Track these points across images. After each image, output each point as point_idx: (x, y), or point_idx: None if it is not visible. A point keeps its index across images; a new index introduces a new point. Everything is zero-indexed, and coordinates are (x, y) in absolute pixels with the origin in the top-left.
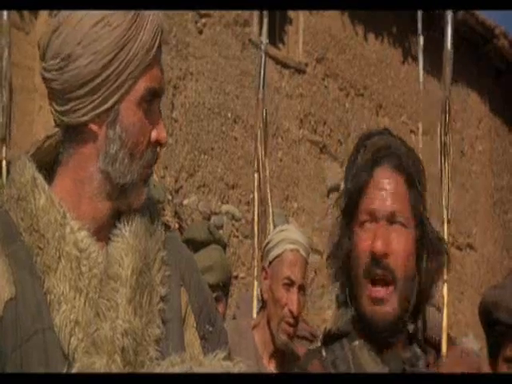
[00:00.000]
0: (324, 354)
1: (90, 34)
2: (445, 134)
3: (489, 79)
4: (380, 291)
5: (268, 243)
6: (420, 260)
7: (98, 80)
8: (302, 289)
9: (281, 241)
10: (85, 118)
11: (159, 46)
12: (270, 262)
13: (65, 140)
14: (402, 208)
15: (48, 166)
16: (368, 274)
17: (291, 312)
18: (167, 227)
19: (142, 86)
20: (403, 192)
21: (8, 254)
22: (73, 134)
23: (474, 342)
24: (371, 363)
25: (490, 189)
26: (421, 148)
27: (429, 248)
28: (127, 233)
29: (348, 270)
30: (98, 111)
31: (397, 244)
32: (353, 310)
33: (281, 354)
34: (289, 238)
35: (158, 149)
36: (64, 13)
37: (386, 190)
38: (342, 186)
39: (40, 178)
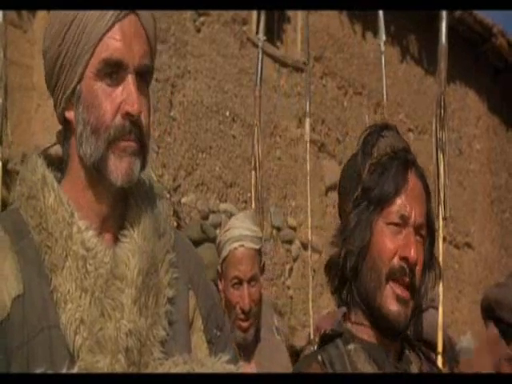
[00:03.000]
0: (320, 357)
1: (51, 22)
2: (441, 129)
3: (487, 78)
4: (405, 292)
5: (218, 245)
6: (424, 269)
7: (59, 64)
8: (252, 280)
9: (226, 242)
10: (61, 107)
11: (128, 16)
12: (221, 265)
13: (64, 141)
14: (424, 221)
15: (59, 163)
16: (393, 276)
17: (242, 309)
18: None
19: (98, 59)
20: (425, 202)
21: (17, 251)
22: (64, 128)
23: (471, 341)
24: (368, 367)
25: (487, 187)
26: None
27: (431, 257)
28: (135, 234)
29: (360, 265)
30: (65, 96)
31: (420, 255)
32: (363, 308)
33: (243, 348)
34: (232, 236)
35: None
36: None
37: (416, 199)
38: (356, 175)
39: (50, 177)
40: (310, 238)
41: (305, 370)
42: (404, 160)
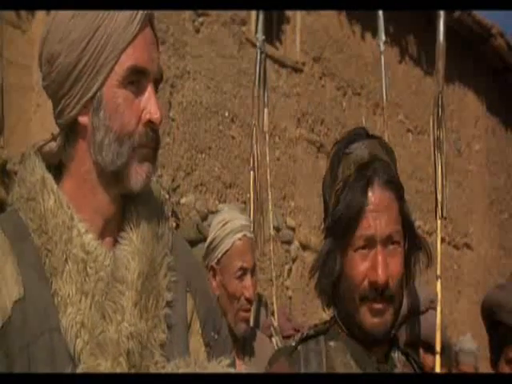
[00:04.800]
0: (299, 348)
1: (67, 27)
2: (438, 128)
3: (486, 79)
4: (380, 304)
5: (213, 241)
6: (408, 265)
7: (77, 69)
8: (253, 270)
9: (227, 234)
10: (74, 112)
11: (147, 25)
12: (219, 259)
13: (65, 143)
14: (396, 226)
15: (54, 167)
16: (366, 299)
17: (248, 299)
18: None
19: (123, 67)
20: (395, 207)
21: (17, 254)
22: (69, 134)
23: (472, 342)
24: (344, 366)
25: (486, 188)
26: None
27: (415, 251)
28: (134, 236)
29: (338, 289)
30: (82, 101)
31: (394, 266)
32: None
33: (241, 342)
34: (234, 228)
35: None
36: (49, 21)
37: (381, 212)
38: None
39: (49, 178)
40: (271, 231)
41: (272, 363)
42: (361, 178)
